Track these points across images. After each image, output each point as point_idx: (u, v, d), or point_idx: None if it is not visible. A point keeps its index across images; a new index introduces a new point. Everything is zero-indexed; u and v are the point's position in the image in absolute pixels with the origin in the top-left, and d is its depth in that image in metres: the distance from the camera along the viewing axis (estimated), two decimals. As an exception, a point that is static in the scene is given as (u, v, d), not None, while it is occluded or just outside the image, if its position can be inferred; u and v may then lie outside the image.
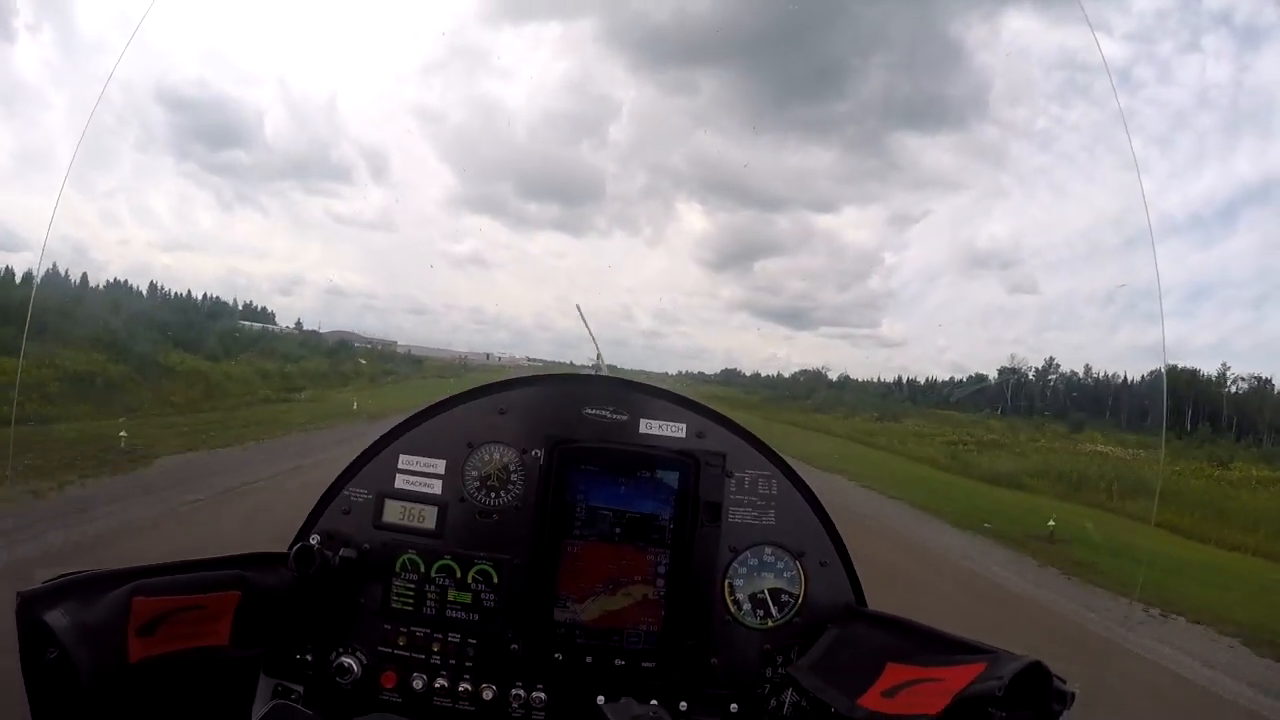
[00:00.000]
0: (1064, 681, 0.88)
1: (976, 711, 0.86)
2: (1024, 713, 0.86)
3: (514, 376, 1.42)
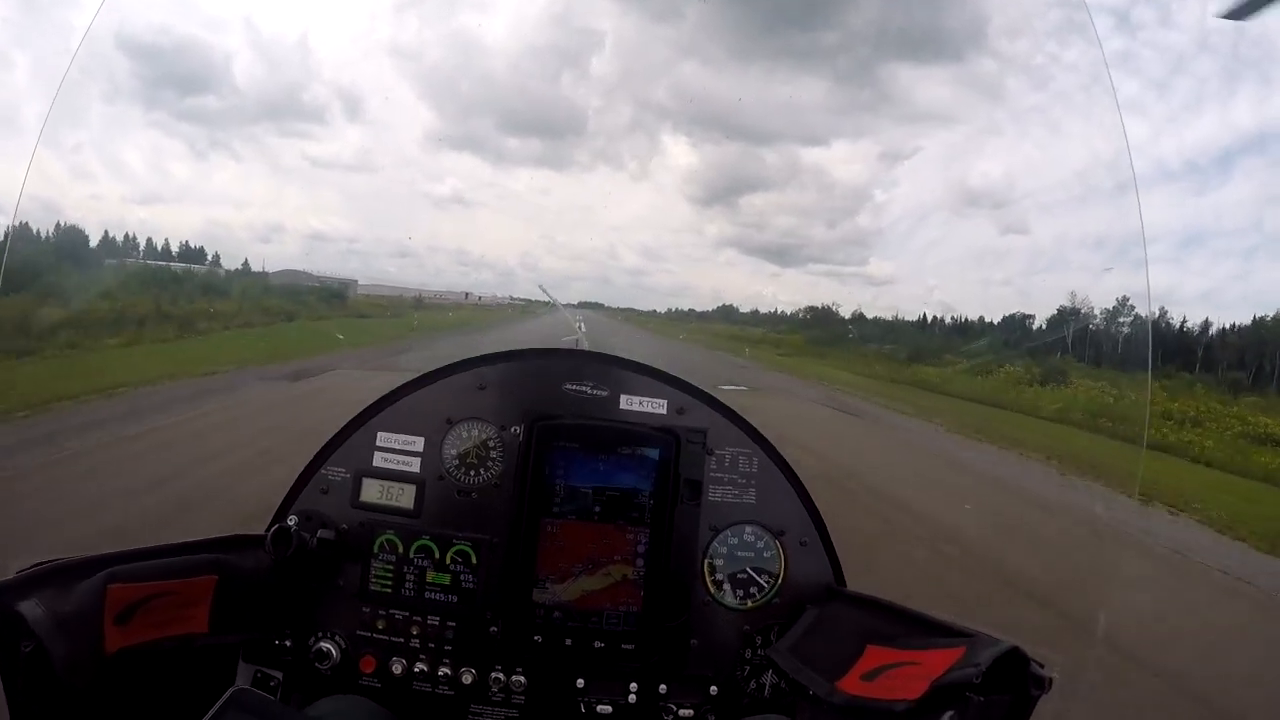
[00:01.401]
0: (1042, 666, 0.87)
1: (954, 696, 0.85)
2: (1002, 697, 0.85)
3: (492, 353, 1.40)
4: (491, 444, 1.34)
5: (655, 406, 1.36)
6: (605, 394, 1.36)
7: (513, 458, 1.33)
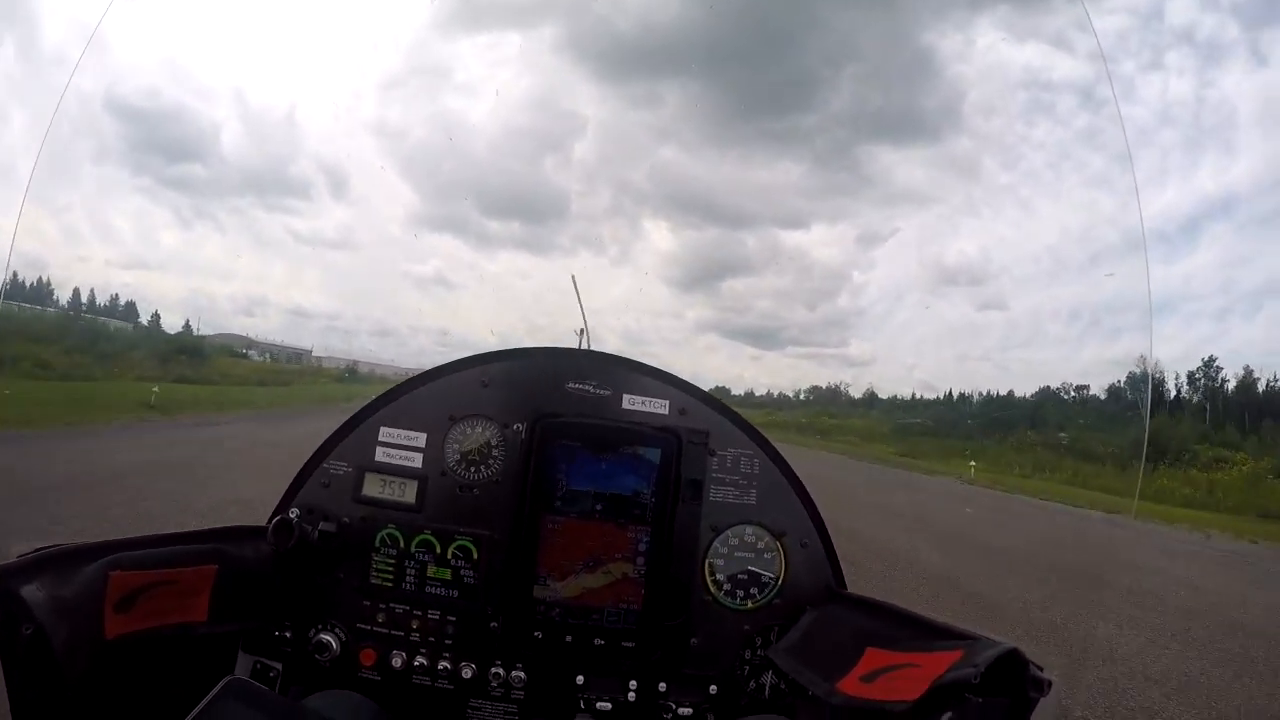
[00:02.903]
0: (1041, 669, 0.87)
1: (953, 697, 0.85)
2: (1000, 700, 0.85)
3: (495, 350, 1.40)
4: (494, 441, 1.34)
5: (657, 406, 1.36)
6: (608, 393, 1.36)
7: (515, 455, 1.33)
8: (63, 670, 0.91)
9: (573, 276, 1.83)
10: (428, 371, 1.39)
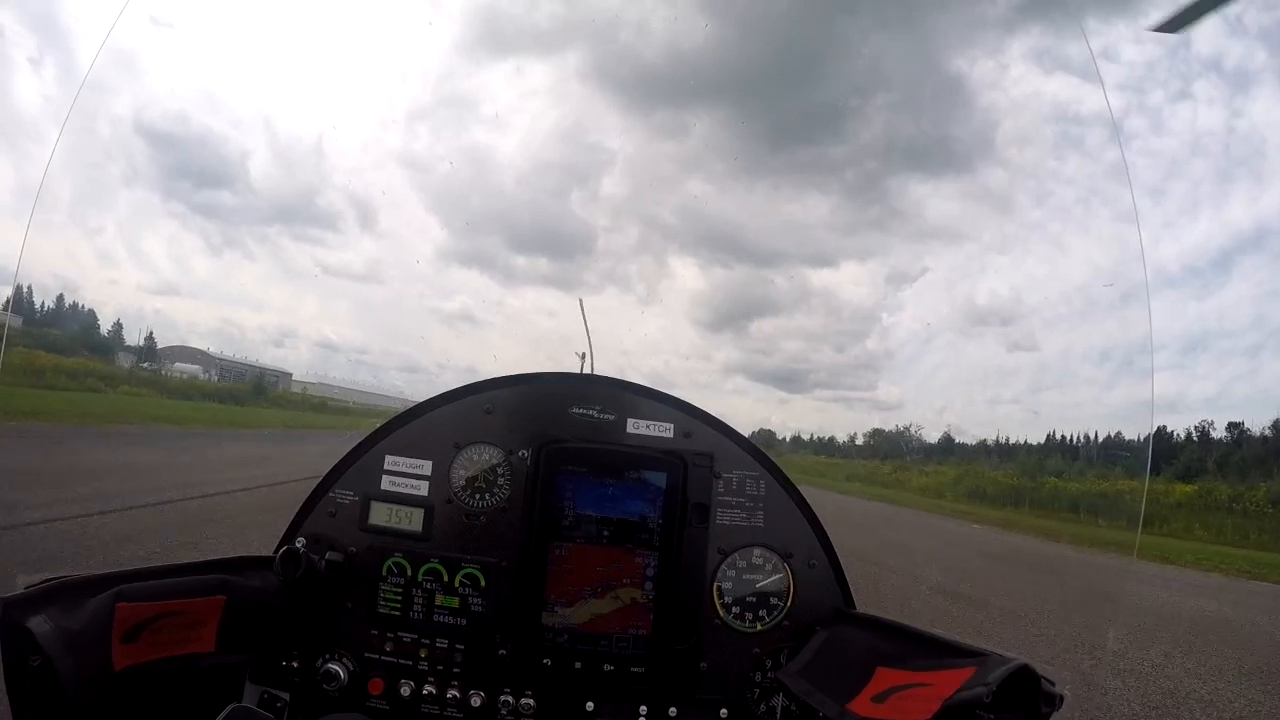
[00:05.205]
0: (1053, 684, 0.87)
1: (966, 716, 0.85)
2: (1013, 716, 0.85)
3: (499, 377, 1.41)
4: (499, 468, 1.35)
5: (662, 430, 1.37)
6: (612, 418, 1.37)
7: (520, 481, 1.33)
8: (70, 702, 0.91)
9: (580, 300, 1.85)
10: (432, 399, 1.40)
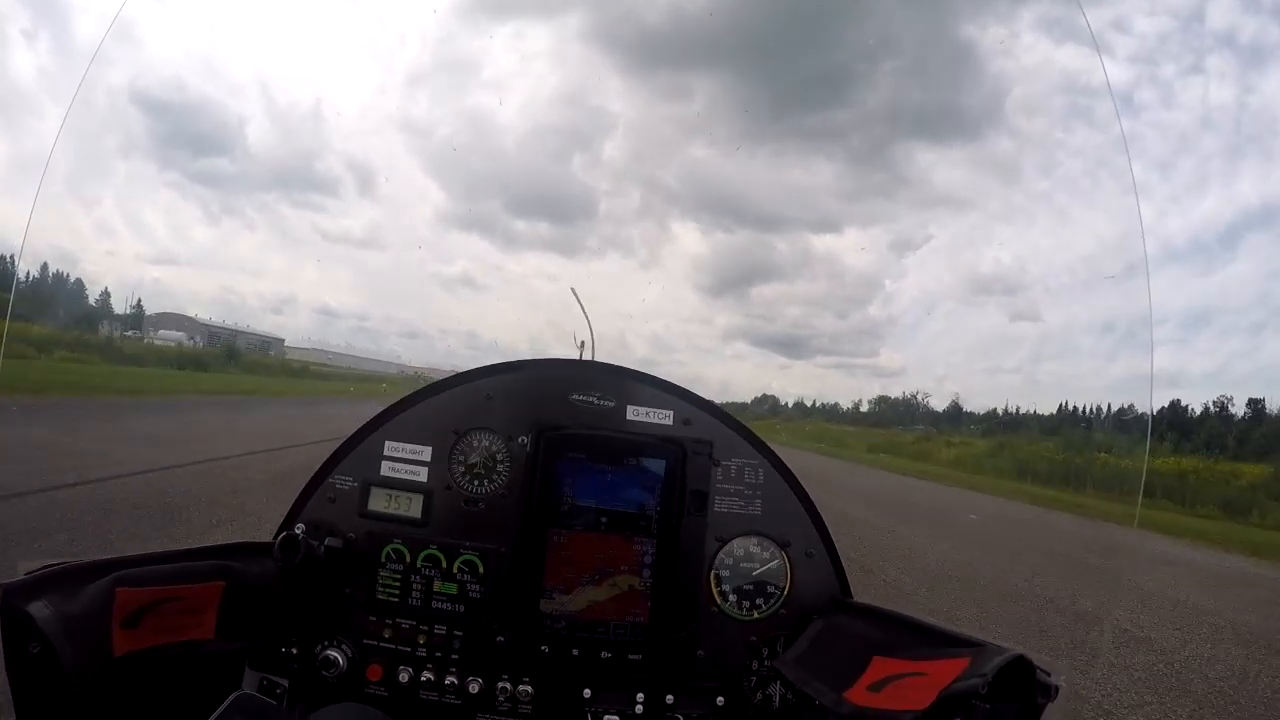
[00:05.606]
0: (1048, 674, 0.87)
1: (962, 706, 0.85)
2: (1009, 706, 0.85)
3: (499, 363, 1.41)
4: (499, 454, 1.35)
5: (661, 417, 1.37)
6: (611, 404, 1.37)
7: (520, 468, 1.33)
8: (70, 687, 0.92)
9: (573, 289, 1.84)
10: (431, 385, 1.40)
